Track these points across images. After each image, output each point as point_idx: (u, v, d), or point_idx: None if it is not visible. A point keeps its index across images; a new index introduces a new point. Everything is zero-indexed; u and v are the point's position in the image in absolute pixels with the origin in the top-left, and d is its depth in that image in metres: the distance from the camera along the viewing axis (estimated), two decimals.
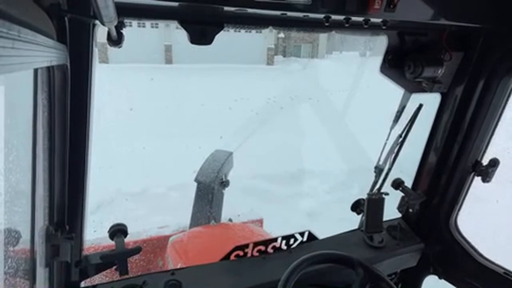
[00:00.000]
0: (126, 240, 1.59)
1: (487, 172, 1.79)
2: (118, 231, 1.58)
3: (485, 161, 1.82)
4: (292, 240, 1.90)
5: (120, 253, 1.52)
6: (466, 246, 1.94)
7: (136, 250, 1.57)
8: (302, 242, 1.92)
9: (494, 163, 1.79)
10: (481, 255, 1.90)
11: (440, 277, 2.05)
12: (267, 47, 25.77)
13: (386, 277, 1.56)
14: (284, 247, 1.88)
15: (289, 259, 1.57)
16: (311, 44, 29.00)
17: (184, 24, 1.17)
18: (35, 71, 0.93)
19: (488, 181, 1.81)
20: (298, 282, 1.43)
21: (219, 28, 1.21)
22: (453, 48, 1.61)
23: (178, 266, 2.35)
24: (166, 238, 3.47)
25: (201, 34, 1.19)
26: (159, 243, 3.66)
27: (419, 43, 1.62)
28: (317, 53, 28.98)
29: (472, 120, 1.74)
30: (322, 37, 27.57)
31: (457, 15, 1.40)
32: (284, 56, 28.44)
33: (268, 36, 24.85)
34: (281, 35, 26.60)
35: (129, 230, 1.60)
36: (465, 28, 1.51)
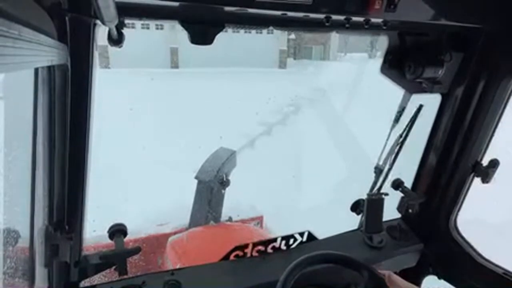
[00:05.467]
0: (125, 239, 1.59)
1: (487, 172, 1.79)
2: (118, 231, 1.57)
3: (485, 162, 1.82)
4: (291, 240, 1.89)
5: (120, 253, 1.51)
6: (466, 247, 1.94)
7: (136, 250, 1.57)
8: (301, 242, 1.91)
9: (494, 164, 1.79)
10: (480, 255, 1.90)
11: (439, 278, 2.05)
12: (280, 49, 23.96)
13: None
14: (283, 247, 1.88)
15: (288, 259, 1.57)
16: (323, 46, 27.67)
17: (184, 24, 1.17)
18: (36, 70, 0.93)
19: (487, 182, 1.81)
20: (296, 282, 1.43)
21: (220, 28, 1.21)
22: (453, 49, 1.61)
23: (177, 267, 2.35)
24: (165, 236, 3.47)
25: (202, 34, 1.19)
26: (158, 242, 3.66)
27: (420, 43, 1.62)
28: (328, 55, 27.75)
29: (472, 120, 1.73)
30: (334, 38, 26.22)
31: (457, 15, 1.40)
32: (295, 58, 26.58)
33: (280, 38, 23.03)
34: (292, 36, 24.50)
35: None
36: (465, 28, 1.51)
